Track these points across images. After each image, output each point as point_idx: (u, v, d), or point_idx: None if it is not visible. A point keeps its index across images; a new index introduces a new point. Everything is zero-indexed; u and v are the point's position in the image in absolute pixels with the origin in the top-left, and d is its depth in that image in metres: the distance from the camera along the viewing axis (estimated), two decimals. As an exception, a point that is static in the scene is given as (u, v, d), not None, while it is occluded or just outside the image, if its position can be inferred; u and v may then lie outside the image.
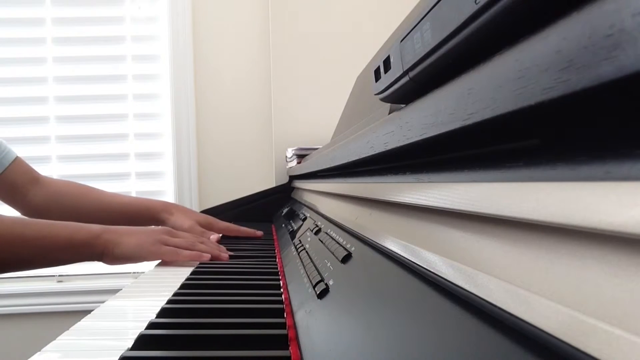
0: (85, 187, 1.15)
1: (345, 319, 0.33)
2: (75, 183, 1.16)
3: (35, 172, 1.08)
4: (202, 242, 0.84)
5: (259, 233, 1.04)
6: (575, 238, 0.15)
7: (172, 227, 1.04)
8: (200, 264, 0.77)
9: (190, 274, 0.69)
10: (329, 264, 0.47)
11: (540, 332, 0.14)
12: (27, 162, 1.74)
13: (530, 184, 0.17)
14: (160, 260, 0.82)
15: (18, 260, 0.72)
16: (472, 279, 0.20)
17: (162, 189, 1.72)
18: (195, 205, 1.69)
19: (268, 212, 1.43)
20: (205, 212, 1.47)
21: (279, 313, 0.48)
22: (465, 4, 0.19)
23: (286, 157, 1.51)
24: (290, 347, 0.39)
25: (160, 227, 0.89)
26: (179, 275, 0.72)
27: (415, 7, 0.41)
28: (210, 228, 1.06)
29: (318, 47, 1.61)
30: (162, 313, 0.49)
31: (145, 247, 0.77)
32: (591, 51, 0.12)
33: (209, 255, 0.79)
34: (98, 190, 1.14)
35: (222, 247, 0.86)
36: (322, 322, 0.38)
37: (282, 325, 0.44)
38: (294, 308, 0.48)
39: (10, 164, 1.05)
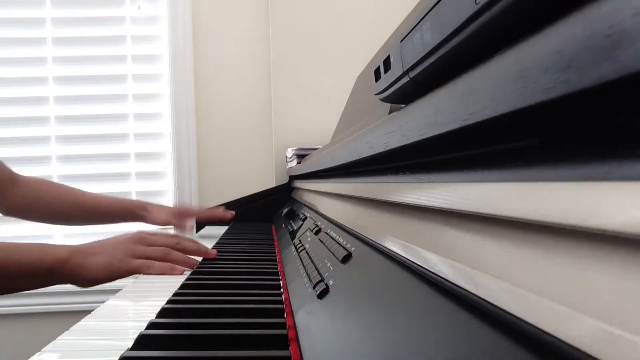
0: (63, 186, 1.14)
1: (345, 319, 0.33)
2: (52, 182, 1.16)
3: (12, 171, 1.06)
4: (180, 245, 0.79)
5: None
6: (575, 238, 0.15)
7: (152, 222, 1.16)
8: (200, 263, 0.77)
9: (191, 274, 0.70)
10: (329, 264, 0.47)
11: (540, 332, 0.14)
12: (27, 162, 1.74)
13: (530, 184, 0.17)
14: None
15: None
16: (472, 279, 0.20)
17: (162, 188, 1.72)
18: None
19: (268, 212, 1.43)
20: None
21: (279, 313, 0.48)
22: (465, 4, 0.19)
23: (286, 157, 1.51)
24: (290, 347, 0.39)
25: (132, 234, 0.80)
26: (179, 275, 0.72)
27: (415, 7, 0.41)
28: (186, 214, 1.20)
29: (318, 47, 1.61)
30: (162, 313, 0.49)
31: (114, 267, 0.71)
32: (591, 51, 0.12)
33: (182, 269, 0.74)
34: (76, 190, 1.13)
35: (203, 246, 0.81)
36: (322, 322, 0.38)
37: (282, 325, 0.44)
38: (294, 308, 0.48)
39: None
